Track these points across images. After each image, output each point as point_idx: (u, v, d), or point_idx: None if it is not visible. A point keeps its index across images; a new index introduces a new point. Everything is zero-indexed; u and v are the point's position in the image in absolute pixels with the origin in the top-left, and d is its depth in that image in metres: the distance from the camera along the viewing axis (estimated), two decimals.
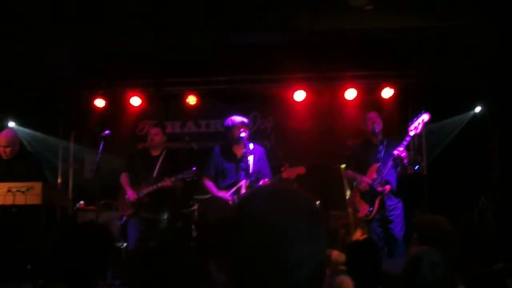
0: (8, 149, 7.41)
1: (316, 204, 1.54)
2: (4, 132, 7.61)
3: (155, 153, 7.93)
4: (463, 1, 7.57)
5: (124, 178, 7.82)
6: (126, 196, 7.64)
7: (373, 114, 7.51)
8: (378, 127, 7.23)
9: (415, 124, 6.93)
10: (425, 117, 6.95)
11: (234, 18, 7.97)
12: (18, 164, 7.48)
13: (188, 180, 7.56)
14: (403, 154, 6.82)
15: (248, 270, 1.39)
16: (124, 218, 7.78)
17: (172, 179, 7.45)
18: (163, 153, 7.94)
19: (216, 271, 2.90)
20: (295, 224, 1.40)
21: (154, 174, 7.72)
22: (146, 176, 7.76)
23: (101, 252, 2.84)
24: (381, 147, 7.15)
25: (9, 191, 6.74)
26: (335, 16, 8.03)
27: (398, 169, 7.14)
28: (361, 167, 7.36)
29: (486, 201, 8.33)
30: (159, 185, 7.50)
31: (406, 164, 6.96)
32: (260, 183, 6.82)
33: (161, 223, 7.79)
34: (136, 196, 7.56)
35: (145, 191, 7.61)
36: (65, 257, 2.83)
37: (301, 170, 6.79)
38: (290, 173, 6.78)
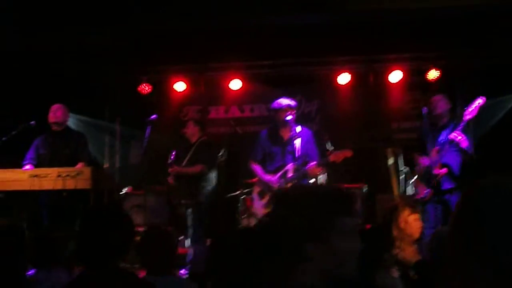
0: (58, 113, 7.62)
1: None
2: (54, 105, 7.82)
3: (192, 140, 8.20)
4: None
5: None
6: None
7: (437, 97, 7.38)
8: (440, 109, 7.12)
9: (471, 108, 6.80)
10: (480, 101, 6.82)
11: (278, 0, 7.94)
12: (66, 138, 7.72)
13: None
14: (458, 138, 6.68)
15: None
16: None
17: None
18: (197, 143, 8.20)
19: None
20: None
21: (184, 162, 7.88)
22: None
23: (119, 234, 2.87)
24: (444, 130, 7.06)
25: (59, 175, 6.84)
26: None
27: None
28: (423, 149, 7.27)
29: None
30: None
31: (464, 148, 6.81)
32: (307, 166, 6.78)
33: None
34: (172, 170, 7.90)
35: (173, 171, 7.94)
36: (85, 239, 2.88)
37: (348, 153, 6.73)
38: (337, 156, 6.72)
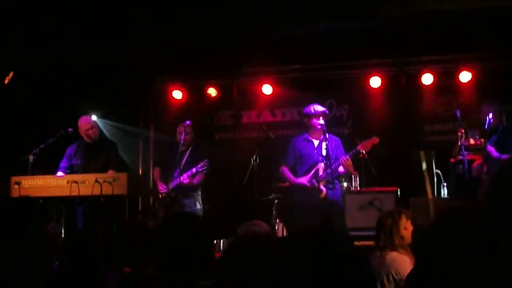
0: (91, 131, 7.89)
1: None
2: (82, 118, 8.04)
3: (182, 148, 8.08)
4: None
5: (157, 174, 8.24)
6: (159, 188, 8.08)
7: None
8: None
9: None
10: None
11: (307, 6, 7.99)
12: (98, 148, 8.00)
13: (204, 172, 7.87)
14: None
15: None
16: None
17: (189, 173, 7.78)
18: (190, 148, 8.20)
19: None
20: None
21: (180, 167, 7.94)
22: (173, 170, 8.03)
23: (195, 242, 2.90)
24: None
25: (96, 181, 7.01)
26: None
27: None
28: None
29: None
30: (181, 180, 7.81)
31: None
32: (339, 160, 6.87)
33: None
34: (165, 190, 7.98)
35: (171, 185, 8.00)
36: (164, 245, 2.92)
37: (375, 140, 6.84)
38: (365, 145, 6.84)
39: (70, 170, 7.82)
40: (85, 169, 7.73)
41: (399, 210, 4.77)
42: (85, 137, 7.91)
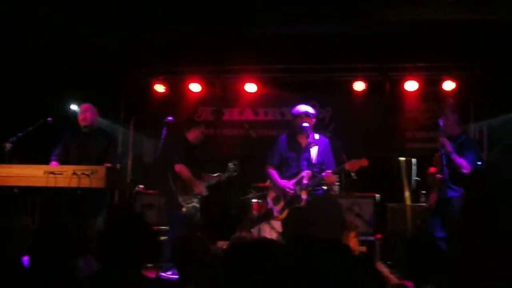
0: (88, 114, 7.62)
1: None
2: (83, 105, 7.83)
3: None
4: None
5: (186, 171, 7.79)
6: (197, 189, 7.76)
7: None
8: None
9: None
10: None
11: (293, 8, 7.94)
12: (95, 137, 7.67)
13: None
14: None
15: None
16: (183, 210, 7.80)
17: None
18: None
19: None
20: None
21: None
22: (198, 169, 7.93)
23: (142, 242, 3.00)
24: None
25: (74, 173, 6.87)
26: (397, 7, 7.93)
27: None
28: None
29: None
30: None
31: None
32: (324, 174, 6.76)
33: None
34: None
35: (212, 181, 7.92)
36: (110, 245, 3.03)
37: (364, 162, 6.70)
38: (352, 164, 6.69)
39: (65, 156, 7.61)
40: (80, 158, 7.52)
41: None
42: (81, 122, 7.67)
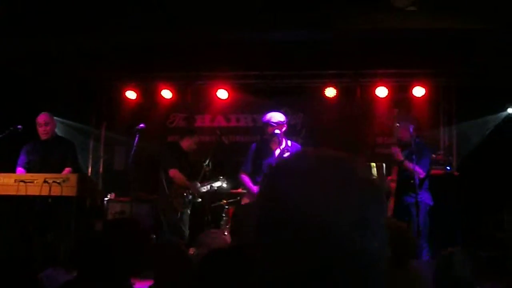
0: (48, 127, 7.65)
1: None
2: (41, 115, 7.79)
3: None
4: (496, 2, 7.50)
5: (179, 175, 7.98)
6: (193, 189, 7.99)
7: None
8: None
9: None
10: None
11: (265, 15, 7.96)
12: (55, 145, 7.73)
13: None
14: None
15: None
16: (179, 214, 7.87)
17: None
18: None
19: None
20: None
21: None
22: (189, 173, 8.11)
23: (136, 249, 2.94)
24: None
25: (45, 181, 6.82)
26: (368, 15, 7.99)
27: None
28: None
29: None
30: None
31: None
32: None
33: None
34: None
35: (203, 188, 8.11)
36: (102, 253, 2.96)
37: None
38: None
39: (28, 166, 7.59)
40: (41, 166, 7.49)
41: None
42: (41, 133, 7.66)
